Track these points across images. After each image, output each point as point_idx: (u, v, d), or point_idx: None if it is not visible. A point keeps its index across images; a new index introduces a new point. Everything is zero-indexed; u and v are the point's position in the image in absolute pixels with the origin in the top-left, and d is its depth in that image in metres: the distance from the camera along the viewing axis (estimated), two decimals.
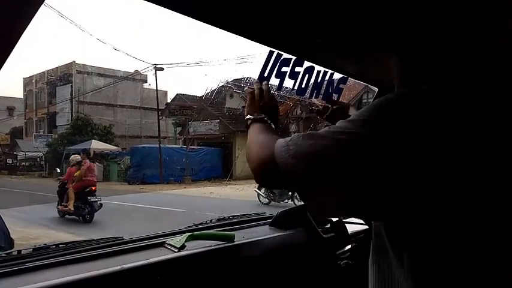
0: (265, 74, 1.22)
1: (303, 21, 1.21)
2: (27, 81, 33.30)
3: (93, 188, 9.13)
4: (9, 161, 29.39)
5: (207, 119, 21.46)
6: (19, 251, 1.18)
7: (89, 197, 8.81)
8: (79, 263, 1.11)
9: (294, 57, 1.35)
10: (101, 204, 8.98)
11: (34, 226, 8.11)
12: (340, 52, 1.44)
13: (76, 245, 1.23)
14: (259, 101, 1.15)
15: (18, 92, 34.47)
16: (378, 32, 1.11)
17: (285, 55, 1.31)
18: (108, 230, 7.85)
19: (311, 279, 1.50)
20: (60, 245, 1.22)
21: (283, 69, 1.31)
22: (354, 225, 1.75)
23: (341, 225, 1.73)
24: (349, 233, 1.72)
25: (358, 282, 1.59)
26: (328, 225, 1.73)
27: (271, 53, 1.23)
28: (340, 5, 1.10)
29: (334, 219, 1.76)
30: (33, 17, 0.75)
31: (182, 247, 1.23)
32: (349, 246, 1.66)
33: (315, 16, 1.17)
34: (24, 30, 0.75)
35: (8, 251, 1.24)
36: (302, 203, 0.92)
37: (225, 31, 1.21)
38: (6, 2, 0.71)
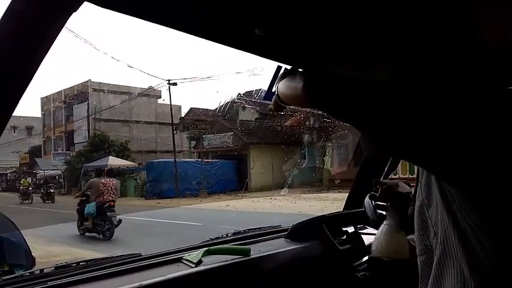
0: (273, 89, 1.23)
1: (312, 35, 1.22)
2: (45, 101, 34.08)
3: None
4: (29, 179, 29.98)
5: (220, 132, 21.58)
6: (41, 270, 1.21)
7: None
8: (99, 280, 1.13)
9: None
10: None
11: (55, 244, 8.23)
12: (351, 64, 1.44)
13: (96, 262, 1.26)
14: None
15: (36, 112, 35.31)
16: (386, 45, 1.12)
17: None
18: (127, 245, 7.92)
19: None
20: (80, 263, 1.25)
21: None
22: (370, 237, 1.73)
23: (357, 237, 1.72)
24: (366, 244, 1.70)
25: None
26: (344, 237, 1.72)
27: (279, 68, 1.25)
28: (350, 19, 1.11)
29: (350, 231, 1.76)
30: (53, 42, 0.79)
31: (199, 262, 1.25)
32: (366, 258, 1.65)
33: (324, 30, 1.19)
34: (45, 55, 0.79)
35: (31, 270, 1.27)
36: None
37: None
38: (29, 29, 0.75)
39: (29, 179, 26.24)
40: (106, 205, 9.02)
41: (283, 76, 1.12)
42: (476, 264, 0.73)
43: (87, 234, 9.27)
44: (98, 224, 9.07)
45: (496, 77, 0.94)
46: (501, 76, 0.95)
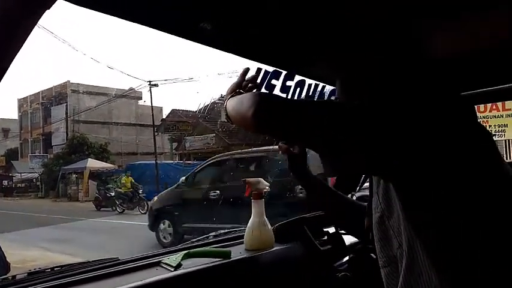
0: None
1: (293, 36, 1.22)
2: (22, 102, 33.26)
3: None
4: (5, 182, 29.11)
5: (202, 133, 21.45)
6: (13, 276, 1.17)
7: None
8: (74, 285, 1.10)
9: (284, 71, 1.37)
10: None
11: (31, 248, 8.02)
12: (329, 65, 1.45)
13: (71, 267, 1.22)
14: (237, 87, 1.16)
15: (12, 113, 34.49)
16: (368, 47, 1.13)
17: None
18: (105, 250, 7.76)
19: None
20: (55, 268, 1.21)
21: (273, 81, 1.32)
22: (351, 237, 1.74)
23: (338, 237, 1.72)
24: (347, 244, 1.71)
25: None
26: (325, 238, 1.72)
27: (258, 70, 1.25)
28: (330, 18, 1.11)
29: (330, 231, 1.76)
30: (25, 40, 0.77)
31: (178, 266, 1.23)
32: (346, 258, 1.66)
33: (304, 31, 1.19)
34: (16, 53, 0.76)
35: (3, 277, 1.22)
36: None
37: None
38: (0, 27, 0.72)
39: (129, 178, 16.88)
40: None
41: (231, 92, 1.08)
42: (443, 269, 0.74)
43: None
44: None
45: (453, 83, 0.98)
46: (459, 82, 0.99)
